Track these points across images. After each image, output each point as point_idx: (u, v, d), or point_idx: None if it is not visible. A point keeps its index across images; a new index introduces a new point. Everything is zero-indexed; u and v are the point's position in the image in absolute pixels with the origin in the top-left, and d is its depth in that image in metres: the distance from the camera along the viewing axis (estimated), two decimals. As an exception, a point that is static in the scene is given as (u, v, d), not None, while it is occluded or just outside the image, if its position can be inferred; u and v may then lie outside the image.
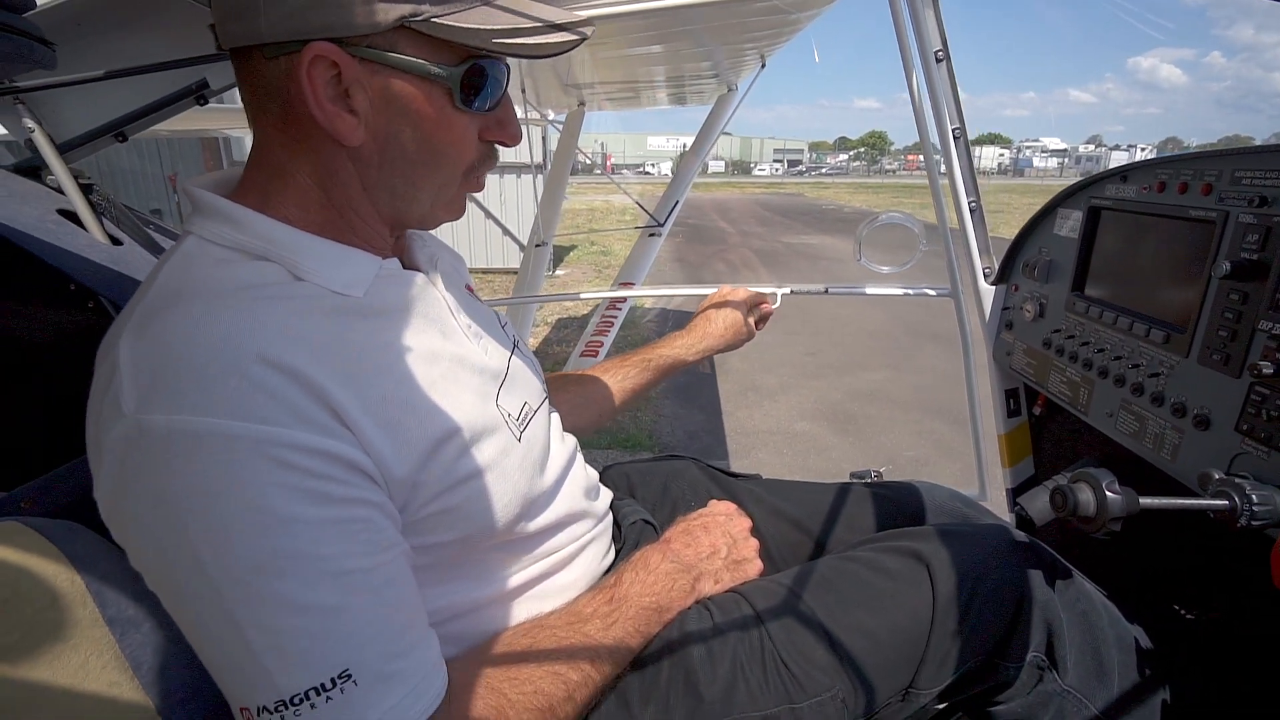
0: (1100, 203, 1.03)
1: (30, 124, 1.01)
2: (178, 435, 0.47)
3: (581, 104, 3.75)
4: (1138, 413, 0.93)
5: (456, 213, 0.67)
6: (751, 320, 1.26)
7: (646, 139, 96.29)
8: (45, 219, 1.00)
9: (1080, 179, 1.09)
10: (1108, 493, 0.66)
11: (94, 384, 0.53)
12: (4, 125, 1.05)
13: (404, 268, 0.68)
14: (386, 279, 0.64)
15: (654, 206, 3.64)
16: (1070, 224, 1.10)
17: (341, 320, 0.57)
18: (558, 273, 9.92)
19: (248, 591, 0.47)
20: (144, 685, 0.56)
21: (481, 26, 0.56)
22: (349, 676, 0.48)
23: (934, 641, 0.74)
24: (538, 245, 3.51)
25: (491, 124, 0.64)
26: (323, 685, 0.48)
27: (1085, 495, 0.67)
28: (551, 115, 4.12)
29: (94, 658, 0.55)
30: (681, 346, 1.17)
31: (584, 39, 0.61)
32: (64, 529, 0.57)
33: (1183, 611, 1.07)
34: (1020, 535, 0.82)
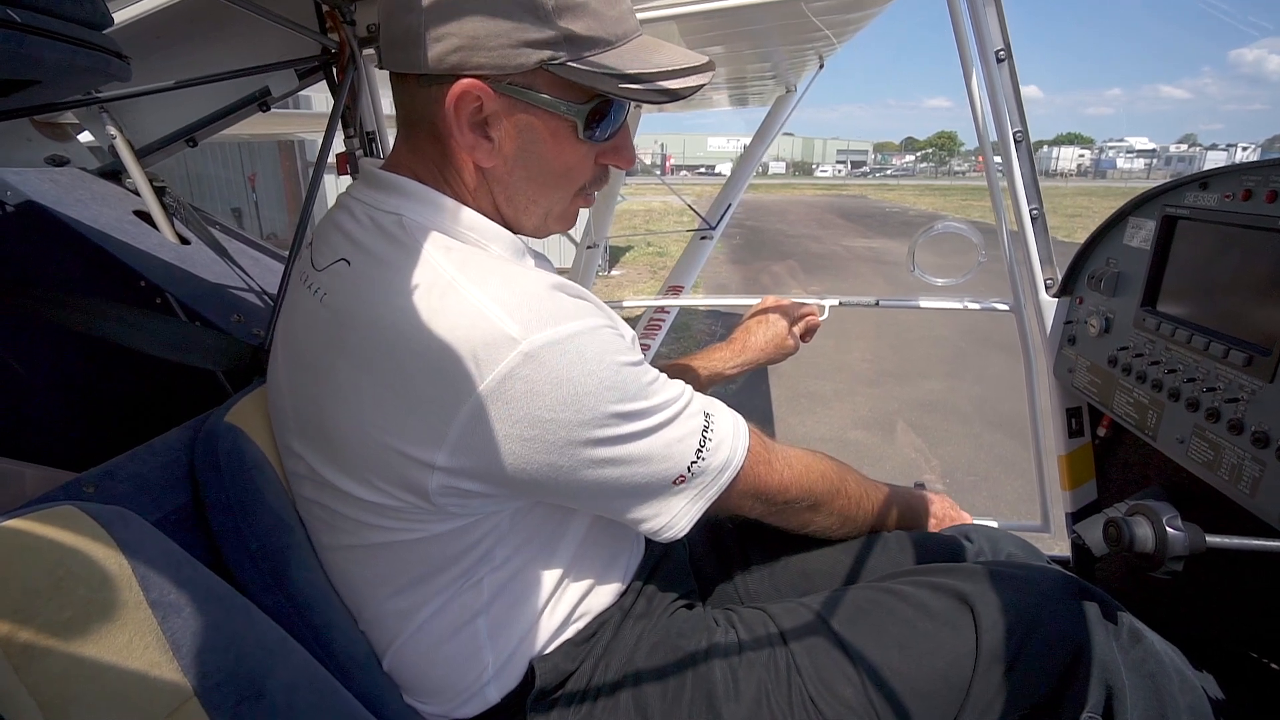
0: (1176, 212, 0.95)
1: (112, 131, 1.09)
2: None
3: (637, 106, 3.75)
4: (1213, 440, 0.86)
5: (567, 224, 0.76)
6: (796, 331, 1.22)
7: (707, 140, 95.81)
8: (123, 220, 1.07)
9: (1160, 184, 1.01)
10: (1168, 529, 0.60)
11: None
12: (91, 132, 1.14)
13: None
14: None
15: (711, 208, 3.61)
16: (1142, 234, 1.02)
17: None
18: (613, 273, 9.99)
19: None
20: (182, 667, 0.59)
21: (611, 71, 0.63)
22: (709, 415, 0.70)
23: (975, 691, 0.69)
24: (589, 247, 3.53)
25: (609, 149, 0.71)
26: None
27: (1143, 530, 0.62)
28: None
29: (137, 638, 0.58)
30: (720, 360, 1.16)
31: (701, 87, 0.66)
32: (115, 514, 0.60)
33: (1264, 660, 0.98)
34: (1081, 582, 0.76)
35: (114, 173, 1.19)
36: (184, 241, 1.14)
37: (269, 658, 0.64)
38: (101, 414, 1.10)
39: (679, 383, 0.69)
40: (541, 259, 0.75)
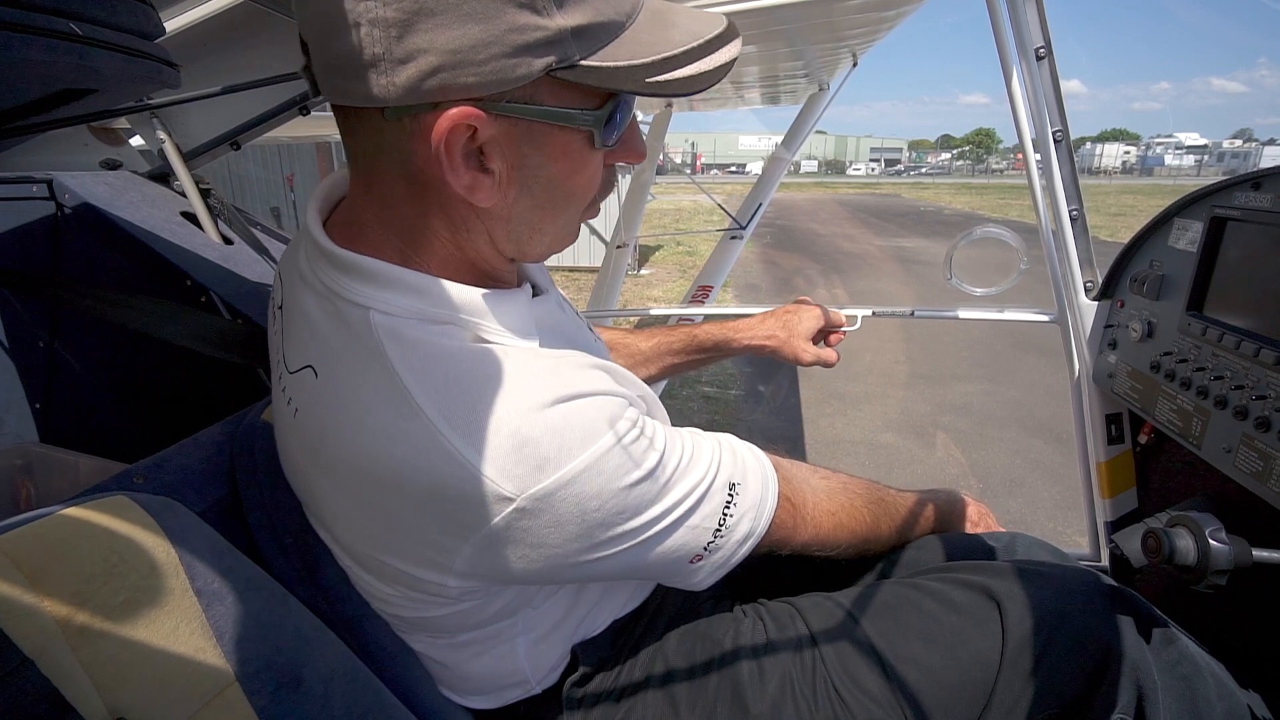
0: (1226, 213, 0.92)
1: (162, 135, 1.13)
2: None
3: (669, 104, 3.75)
4: (1262, 450, 0.82)
5: (570, 241, 0.64)
6: (810, 346, 1.11)
7: (738, 138, 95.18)
8: (170, 221, 1.12)
9: (1208, 184, 0.98)
10: (1211, 541, 0.59)
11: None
12: (142, 136, 1.18)
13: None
14: (535, 309, 0.64)
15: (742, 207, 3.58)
16: (1189, 236, 0.99)
17: None
18: (642, 272, 9.99)
19: None
20: (225, 653, 0.61)
21: (632, 63, 0.49)
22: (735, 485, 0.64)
23: (1002, 686, 0.68)
24: (619, 246, 3.55)
25: (617, 148, 0.58)
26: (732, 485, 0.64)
27: (1184, 542, 0.60)
28: (640, 116, 4.14)
29: (183, 624, 0.60)
30: (732, 329, 1.12)
31: (735, 60, 0.54)
32: (163, 504, 0.63)
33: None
34: (1110, 582, 0.75)
35: (163, 175, 1.24)
36: (227, 242, 1.18)
37: (306, 646, 0.66)
38: (151, 408, 1.15)
39: (706, 454, 0.62)
40: (542, 279, 0.72)
